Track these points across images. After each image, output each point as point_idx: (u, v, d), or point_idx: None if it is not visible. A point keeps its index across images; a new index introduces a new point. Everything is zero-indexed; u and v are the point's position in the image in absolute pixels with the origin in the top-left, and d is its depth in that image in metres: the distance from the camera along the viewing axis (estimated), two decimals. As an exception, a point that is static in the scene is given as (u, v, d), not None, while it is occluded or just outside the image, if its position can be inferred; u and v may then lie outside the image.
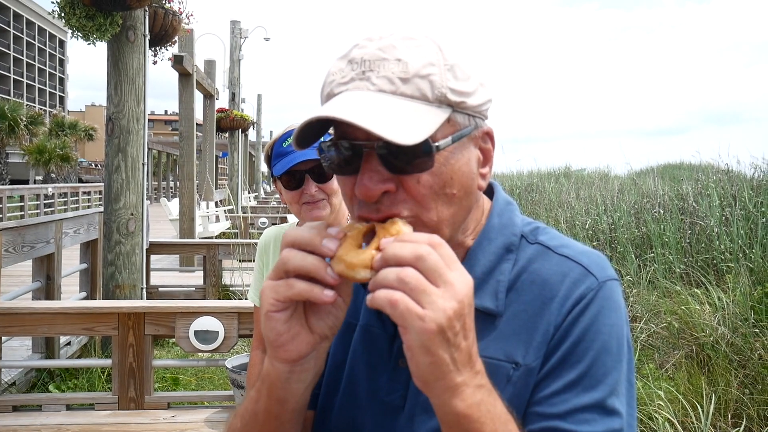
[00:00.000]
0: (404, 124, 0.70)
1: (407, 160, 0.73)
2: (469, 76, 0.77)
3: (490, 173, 0.84)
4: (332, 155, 0.78)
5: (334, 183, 1.82)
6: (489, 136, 0.83)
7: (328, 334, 0.75)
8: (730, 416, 3.94)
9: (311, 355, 0.75)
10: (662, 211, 8.59)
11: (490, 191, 0.92)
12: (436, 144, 0.74)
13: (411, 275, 0.63)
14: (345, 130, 0.76)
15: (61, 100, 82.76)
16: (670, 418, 3.46)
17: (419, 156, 0.73)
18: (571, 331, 0.78)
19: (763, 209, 7.04)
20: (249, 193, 27.46)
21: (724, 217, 7.62)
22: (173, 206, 13.63)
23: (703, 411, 3.52)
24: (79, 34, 5.44)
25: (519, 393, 0.78)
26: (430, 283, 0.64)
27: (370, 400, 0.87)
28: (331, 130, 0.81)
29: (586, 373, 0.77)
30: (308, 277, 0.70)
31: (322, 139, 0.81)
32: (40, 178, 38.12)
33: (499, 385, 0.77)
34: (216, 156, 19.44)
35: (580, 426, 0.75)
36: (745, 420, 3.74)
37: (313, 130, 0.78)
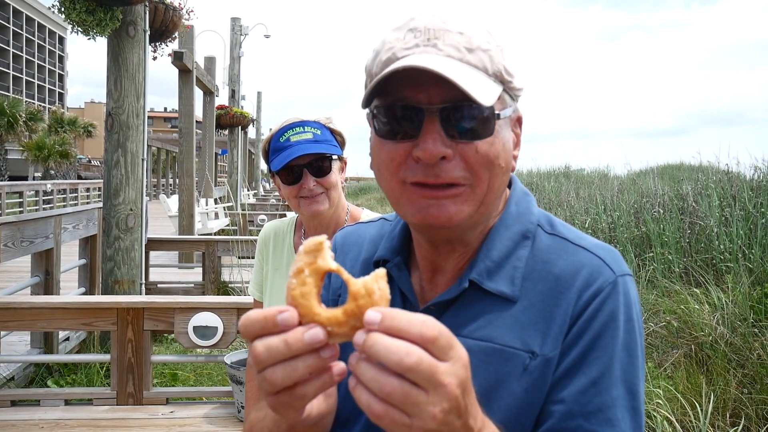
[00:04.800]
0: (478, 86, 0.73)
1: (470, 124, 0.75)
2: (513, 60, 0.80)
3: (518, 157, 0.87)
4: (390, 118, 0.77)
5: (333, 177, 1.81)
6: (520, 122, 0.87)
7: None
8: (728, 415, 3.94)
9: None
10: (662, 211, 8.58)
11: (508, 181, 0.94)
12: (497, 112, 0.77)
13: (396, 391, 0.55)
14: (405, 93, 0.76)
15: (61, 96, 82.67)
16: (668, 416, 3.46)
17: (482, 121, 0.75)
18: (590, 325, 0.77)
19: (762, 210, 7.03)
20: (248, 190, 27.44)
21: (723, 218, 7.61)
22: (172, 203, 13.60)
23: (701, 410, 3.52)
24: (79, 29, 5.43)
25: (536, 384, 0.77)
26: (417, 391, 0.55)
27: None
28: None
29: (607, 371, 0.76)
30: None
31: (374, 103, 0.80)
32: (39, 174, 38.05)
33: (515, 374, 0.77)
34: (215, 153, 19.42)
35: (603, 426, 0.74)
36: (743, 419, 3.74)
37: (370, 93, 0.77)
